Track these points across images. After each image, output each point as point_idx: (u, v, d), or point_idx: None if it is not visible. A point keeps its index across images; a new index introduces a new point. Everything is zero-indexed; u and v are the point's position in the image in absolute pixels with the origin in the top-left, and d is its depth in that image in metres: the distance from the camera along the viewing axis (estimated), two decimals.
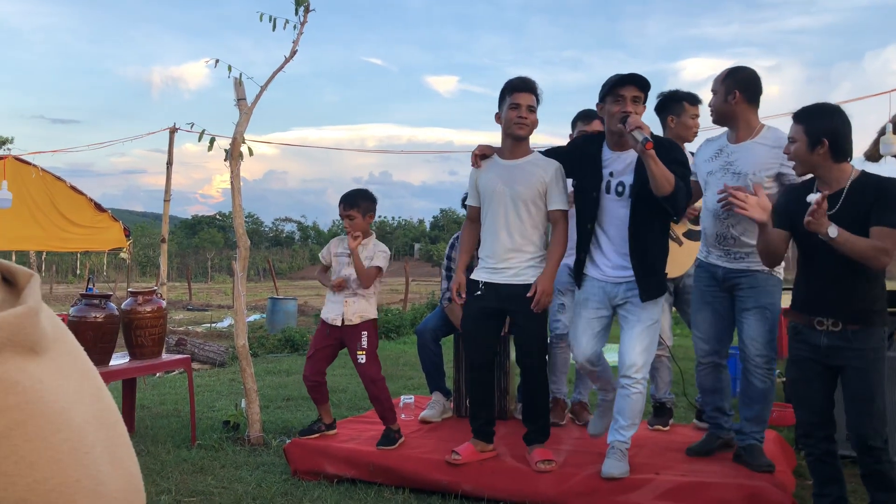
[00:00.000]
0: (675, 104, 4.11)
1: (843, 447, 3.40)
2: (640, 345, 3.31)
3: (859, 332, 2.76)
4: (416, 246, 55.18)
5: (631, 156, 3.31)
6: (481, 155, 3.64)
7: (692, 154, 4.11)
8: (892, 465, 2.81)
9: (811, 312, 2.87)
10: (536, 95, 3.51)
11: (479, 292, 3.55)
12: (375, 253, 4.05)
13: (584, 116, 4.24)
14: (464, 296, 3.57)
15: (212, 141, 4.91)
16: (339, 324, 4.00)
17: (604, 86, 3.34)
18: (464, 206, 4.47)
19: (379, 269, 4.03)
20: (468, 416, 3.88)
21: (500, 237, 3.51)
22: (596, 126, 4.02)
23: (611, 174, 3.37)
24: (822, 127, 2.81)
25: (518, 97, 3.45)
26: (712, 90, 3.45)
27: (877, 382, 2.77)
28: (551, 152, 3.64)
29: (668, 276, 3.98)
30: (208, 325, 13.14)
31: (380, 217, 62.59)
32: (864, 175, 2.86)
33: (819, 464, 2.95)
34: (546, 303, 3.45)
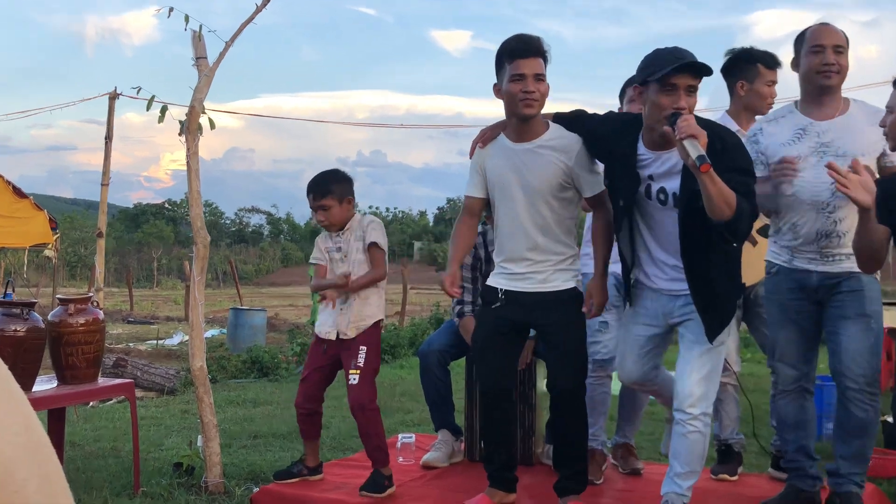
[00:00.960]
0: (748, 66, 4.11)
1: None
2: (698, 371, 3.32)
3: None
4: (417, 245, 55.20)
5: (673, 157, 3.21)
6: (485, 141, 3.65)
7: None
8: None
9: None
10: (544, 57, 3.47)
11: (498, 303, 3.55)
12: (366, 229, 4.06)
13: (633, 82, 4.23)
14: (459, 290, 3.58)
15: (163, 110, 4.93)
16: (333, 338, 4.03)
17: (648, 65, 3.22)
18: None
19: (376, 246, 4.02)
20: (482, 459, 3.89)
21: (518, 237, 3.54)
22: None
23: (650, 177, 3.32)
24: None
25: (521, 65, 3.39)
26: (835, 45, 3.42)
27: None
28: (576, 125, 3.56)
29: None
30: (154, 341, 13.19)
31: (370, 208, 62.68)
32: None
33: None
34: (599, 311, 3.52)
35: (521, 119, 3.48)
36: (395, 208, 70.29)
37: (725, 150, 3.11)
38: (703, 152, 2.91)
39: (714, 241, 3.18)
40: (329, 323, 4.06)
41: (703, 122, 3.16)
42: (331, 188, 4.03)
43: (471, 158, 3.67)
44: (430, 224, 65.96)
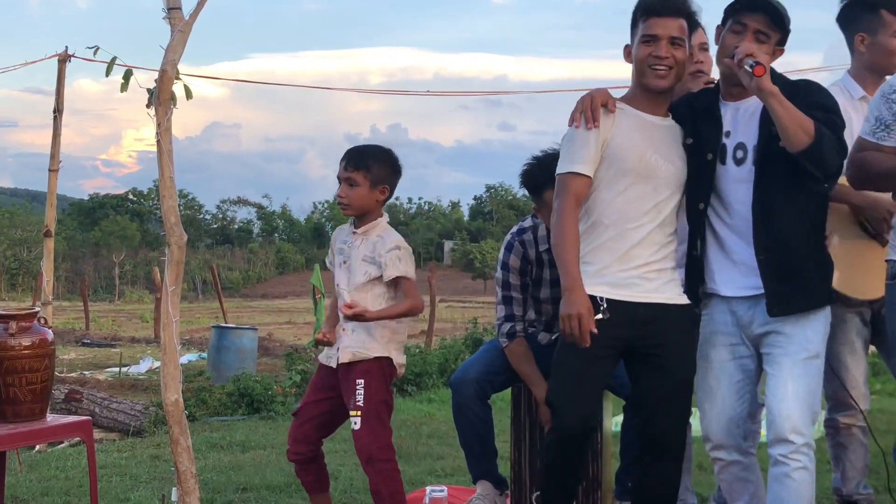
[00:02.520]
0: (869, 14, 4.10)
1: None
2: (793, 389, 3.39)
3: None
4: (448, 245, 55.37)
5: (753, 104, 3.48)
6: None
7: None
8: None
9: None
10: (688, 19, 3.57)
11: (599, 315, 3.50)
12: (385, 257, 4.02)
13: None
14: (594, 330, 3.42)
15: (127, 75, 4.96)
16: (333, 364, 4.07)
17: (728, 5, 3.51)
18: (528, 185, 4.46)
19: (404, 279, 4.03)
20: None
21: (637, 231, 3.57)
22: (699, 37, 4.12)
23: (727, 134, 3.54)
24: None
25: (655, 24, 3.50)
26: None
27: None
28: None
29: (863, 296, 3.98)
30: (116, 369, 13.33)
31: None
32: None
33: None
34: None
35: (649, 90, 3.58)
36: (419, 199, 70.45)
37: (805, 91, 3.47)
38: (758, 61, 3.24)
39: (796, 192, 3.44)
40: (335, 345, 4.10)
41: (784, 80, 3.50)
42: (369, 164, 4.06)
43: (589, 126, 3.57)
44: (465, 218, 66.06)
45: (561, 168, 3.62)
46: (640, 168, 3.56)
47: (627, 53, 3.64)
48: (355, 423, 3.98)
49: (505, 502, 4.60)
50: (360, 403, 3.97)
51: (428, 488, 4.73)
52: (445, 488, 4.81)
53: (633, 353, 3.64)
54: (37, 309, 4.79)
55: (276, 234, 62.10)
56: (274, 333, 18.18)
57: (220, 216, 65.82)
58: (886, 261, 3.64)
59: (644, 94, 3.62)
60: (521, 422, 4.56)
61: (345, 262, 4.10)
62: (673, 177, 3.59)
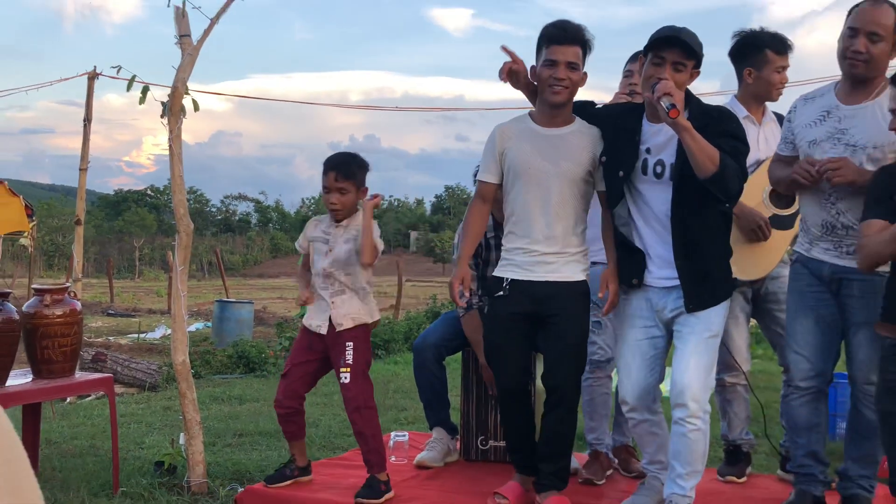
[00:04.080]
0: (756, 52, 4.09)
1: None
2: (696, 363, 3.40)
3: None
4: (413, 235, 55.28)
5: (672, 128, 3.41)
6: (511, 74, 3.66)
7: (777, 116, 4.14)
8: None
9: None
10: (583, 46, 3.56)
11: (501, 292, 3.58)
12: (357, 231, 4.07)
13: (637, 56, 4.23)
14: (467, 294, 3.63)
15: (145, 90, 4.93)
16: (324, 332, 4.04)
17: (648, 40, 3.45)
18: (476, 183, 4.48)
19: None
20: (507, 450, 3.94)
21: (539, 225, 3.58)
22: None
23: (648, 151, 3.48)
24: None
25: (555, 51, 3.50)
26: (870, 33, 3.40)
27: None
28: (579, 109, 3.71)
29: (747, 278, 4.02)
30: (135, 335, 13.21)
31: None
32: None
33: None
34: (616, 303, 3.60)
35: (550, 105, 3.58)
36: (390, 196, 70.08)
37: (711, 117, 3.41)
38: (674, 103, 3.17)
39: (706, 206, 3.39)
40: (321, 315, 4.07)
41: (700, 105, 3.48)
42: (355, 172, 4.06)
43: (501, 74, 3.65)
44: (427, 213, 65.89)
45: (478, 173, 3.75)
46: (530, 172, 3.57)
47: (534, 74, 3.61)
48: (345, 378, 3.98)
49: (455, 445, 4.63)
50: (350, 362, 3.98)
51: (392, 433, 4.74)
52: (407, 433, 4.83)
53: (538, 321, 3.67)
54: (67, 284, 4.76)
55: (271, 225, 61.64)
56: (268, 307, 18.05)
57: (224, 209, 65.28)
58: (795, 251, 3.69)
59: (543, 108, 3.62)
60: (469, 380, 4.58)
61: (330, 251, 4.08)
62: (561, 177, 3.55)
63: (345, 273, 4.06)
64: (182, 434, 4.79)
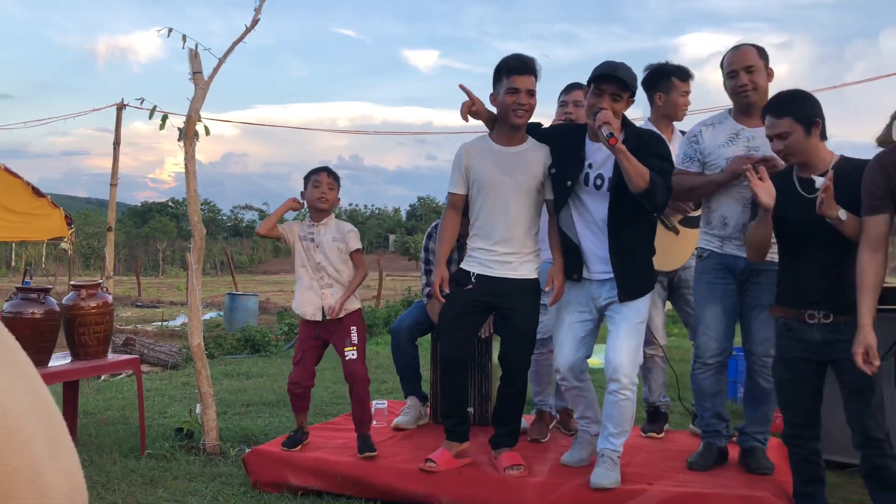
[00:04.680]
0: (664, 80, 4.14)
1: (837, 453, 3.70)
2: (626, 345, 3.40)
3: (851, 322, 2.86)
4: (391, 237, 55.15)
5: None
6: (472, 113, 3.60)
7: (682, 133, 4.17)
8: (895, 459, 2.92)
9: (801, 306, 3.00)
10: (536, 76, 3.55)
11: (470, 285, 3.58)
12: (347, 235, 4.08)
13: (569, 89, 4.24)
14: (447, 290, 3.60)
15: (164, 119, 4.88)
16: (319, 318, 4.01)
17: (590, 75, 3.46)
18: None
19: (359, 252, 4.11)
20: (441, 416, 3.92)
21: (499, 228, 3.56)
22: (574, 96, 4.12)
23: (590, 166, 3.47)
24: (810, 109, 3.00)
25: (517, 80, 3.47)
26: (746, 67, 3.49)
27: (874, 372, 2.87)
28: (531, 129, 3.69)
29: (664, 269, 4.05)
30: (159, 323, 13.06)
31: (350, 205, 62.50)
32: (845, 159, 3.05)
33: (805, 464, 3.12)
34: (560, 297, 3.56)
35: (512, 126, 3.55)
36: (372, 205, 70.08)
37: (644, 140, 3.39)
38: (612, 132, 3.16)
39: (637, 214, 3.38)
40: (313, 304, 4.02)
41: (634, 129, 3.46)
42: (338, 177, 4.13)
43: (462, 114, 3.58)
44: (404, 219, 65.79)
45: (449, 186, 3.72)
46: (492, 184, 3.55)
47: (493, 100, 3.57)
48: (352, 355, 4.00)
49: (426, 410, 4.61)
50: (355, 341, 4.02)
51: (374, 402, 4.72)
52: (386, 402, 4.82)
53: (495, 312, 3.68)
54: (100, 281, 4.69)
55: None
56: (270, 298, 17.90)
57: (233, 217, 64.72)
58: (698, 247, 3.72)
59: (504, 129, 3.59)
60: (436, 357, 4.57)
61: (317, 248, 4.05)
62: (518, 188, 3.53)
63: (334, 268, 4.04)
64: (198, 405, 4.75)
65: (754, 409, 3.57)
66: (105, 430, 5.08)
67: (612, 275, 3.43)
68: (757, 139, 3.50)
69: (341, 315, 4.01)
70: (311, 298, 4.04)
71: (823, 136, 3.04)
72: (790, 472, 3.60)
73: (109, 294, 4.71)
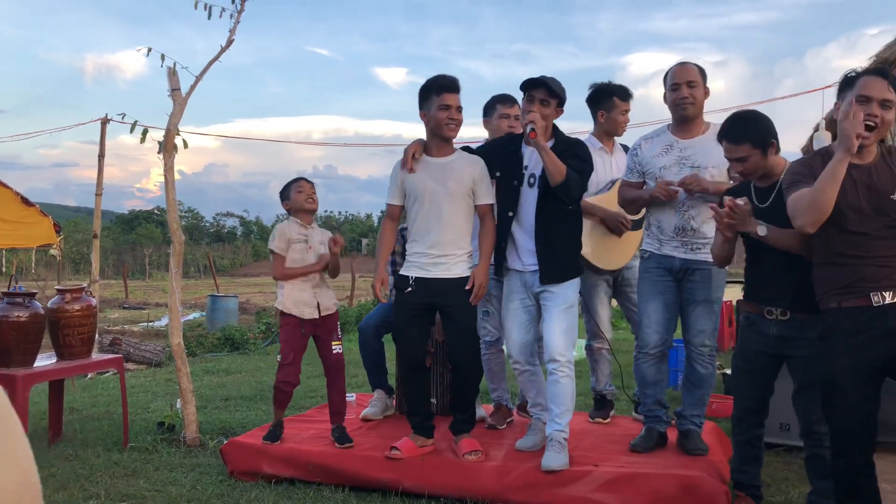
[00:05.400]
0: (606, 99, 4.18)
1: (769, 435, 3.75)
2: (558, 327, 3.46)
3: (807, 320, 2.91)
4: (364, 241, 54.88)
5: None
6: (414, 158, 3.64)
7: (623, 147, 4.22)
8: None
9: (761, 302, 3.04)
10: (459, 93, 3.60)
11: (409, 288, 3.59)
12: (325, 237, 4.10)
13: (503, 99, 4.23)
14: (387, 292, 3.61)
15: (144, 132, 4.81)
16: (316, 315, 3.98)
17: (521, 83, 3.56)
18: None
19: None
20: (407, 414, 3.91)
21: (433, 234, 3.57)
22: (516, 110, 4.14)
23: (525, 167, 3.59)
24: (765, 132, 3.00)
25: (448, 98, 3.53)
26: (688, 82, 3.54)
27: (823, 369, 2.91)
28: (468, 151, 3.76)
29: (609, 268, 4.09)
30: (145, 323, 12.85)
31: (325, 212, 62.13)
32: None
33: (747, 446, 3.17)
34: (482, 294, 3.56)
35: (444, 139, 3.59)
36: (346, 212, 69.82)
37: (568, 144, 3.55)
38: (533, 127, 3.35)
39: (561, 212, 3.50)
40: (309, 303, 3.97)
41: (563, 137, 3.59)
42: (314, 185, 4.14)
43: (404, 167, 3.62)
44: (375, 224, 65.59)
45: (387, 199, 3.73)
46: (426, 193, 3.57)
47: (424, 116, 3.60)
48: (339, 349, 4.05)
49: (392, 402, 4.60)
50: (340, 337, 4.08)
51: None
52: (354, 395, 4.79)
53: (438, 311, 3.69)
54: (84, 285, 4.60)
55: (252, 235, 60.45)
56: (250, 299, 17.70)
57: (215, 224, 63.86)
58: (641, 248, 3.77)
59: (436, 142, 3.62)
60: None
61: (310, 248, 4.02)
62: (449, 195, 3.55)
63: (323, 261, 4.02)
64: (179, 400, 4.69)
65: (692, 393, 3.62)
66: (90, 426, 4.98)
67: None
68: (689, 150, 3.56)
69: (332, 311, 4.04)
70: (304, 298, 3.98)
71: (778, 151, 3.07)
72: (723, 452, 3.67)
73: (93, 297, 4.63)
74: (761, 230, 2.88)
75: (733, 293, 6.36)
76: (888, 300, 2.56)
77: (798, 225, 2.65)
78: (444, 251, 3.56)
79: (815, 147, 6.10)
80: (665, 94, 3.63)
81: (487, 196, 3.62)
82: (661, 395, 3.74)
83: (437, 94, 3.52)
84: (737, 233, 3.03)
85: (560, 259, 3.52)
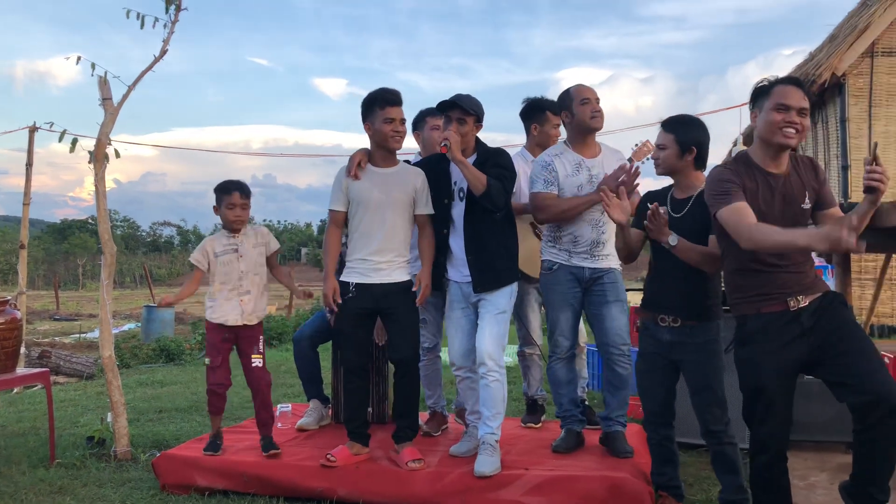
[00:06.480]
0: (539, 113, 4.25)
1: (688, 436, 3.89)
2: (489, 333, 3.52)
3: (696, 327, 3.05)
4: (303, 250, 54.28)
5: None
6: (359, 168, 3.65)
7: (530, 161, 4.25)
8: (734, 446, 3.10)
9: (656, 310, 3.15)
10: (401, 104, 3.64)
11: (350, 294, 3.59)
12: (268, 238, 4.05)
13: (432, 112, 4.21)
14: (339, 300, 3.59)
15: (74, 142, 4.65)
16: (240, 323, 3.91)
17: (437, 104, 3.65)
18: None
19: (277, 250, 4.07)
20: (344, 419, 3.88)
21: (376, 241, 3.59)
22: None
23: (454, 183, 3.66)
24: (692, 136, 3.11)
25: (392, 111, 3.57)
26: (595, 99, 3.67)
27: (715, 372, 3.05)
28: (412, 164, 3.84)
29: (538, 275, 4.13)
30: (77, 335, 12.40)
31: (264, 220, 61.17)
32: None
33: (659, 447, 3.26)
34: (427, 294, 3.62)
35: (388, 151, 3.64)
36: (285, 221, 68.86)
37: (493, 156, 3.61)
38: (446, 143, 3.44)
39: (486, 217, 3.55)
40: (234, 312, 3.91)
41: (485, 148, 3.66)
42: (250, 192, 4.02)
43: (350, 175, 3.63)
44: (315, 233, 64.95)
45: (330, 205, 3.72)
46: (369, 201, 3.60)
47: (368, 128, 3.62)
48: (258, 362, 3.94)
49: (328, 412, 4.55)
50: (261, 350, 3.98)
51: (279, 405, 4.63)
52: (290, 405, 4.74)
53: (380, 315, 3.70)
54: (7, 298, 4.41)
55: (190, 244, 59.10)
56: (187, 310, 17.25)
57: (152, 233, 62.21)
58: (544, 259, 3.82)
59: (381, 153, 3.65)
60: (337, 362, 4.53)
61: (241, 257, 3.94)
62: (392, 204, 3.59)
63: (254, 273, 3.96)
64: (110, 413, 4.54)
65: (614, 395, 3.70)
66: (15, 442, 4.77)
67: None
68: (595, 168, 3.70)
69: (257, 321, 3.95)
70: (231, 307, 3.92)
71: (700, 165, 3.14)
72: (647, 454, 3.75)
73: (18, 310, 4.44)
74: (672, 240, 2.99)
75: (634, 299, 6.53)
76: (801, 304, 2.68)
77: (742, 244, 2.61)
78: (386, 258, 3.60)
79: None
80: (573, 107, 3.67)
81: (427, 206, 3.68)
82: (575, 394, 3.84)
83: (381, 107, 3.56)
84: (629, 223, 3.17)
85: (493, 266, 3.57)
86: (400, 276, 3.63)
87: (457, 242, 3.64)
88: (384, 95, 3.58)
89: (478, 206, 3.52)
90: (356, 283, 3.60)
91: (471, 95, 3.61)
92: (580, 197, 3.67)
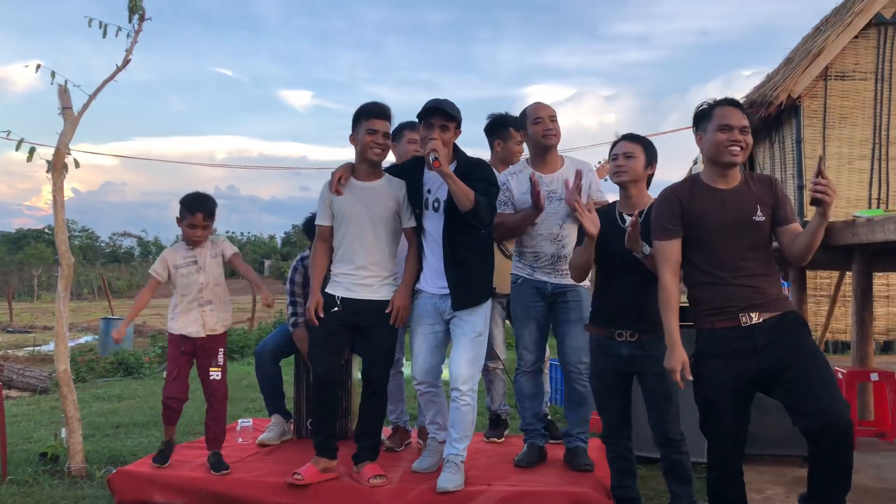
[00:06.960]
0: (502, 129, 4.27)
1: (647, 450, 3.90)
2: (465, 357, 3.48)
3: (653, 340, 3.10)
4: (267, 263, 53.72)
5: None
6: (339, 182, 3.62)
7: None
8: (688, 455, 3.16)
9: (611, 325, 3.18)
10: (390, 121, 3.62)
11: (336, 308, 3.55)
12: (222, 246, 3.99)
13: (410, 126, 4.22)
14: (322, 315, 3.54)
15: (31, 151, 4.55)
16: (202, 335, 3.86)
17: (419, 111, 3.55)
18: (306, 230, 4.41)
19: (239, 254, 4.02)
20: (311, 433, 3.83)
21: (359, 255, 3.57)
22: (413, 135, 4.12)
23: (428, 191, 3.60)
24: (654, 153, 3.25)
25: (376, 123, 3.55)
26: (549, 116, 3.69)
27: (671, 383, 3.07)
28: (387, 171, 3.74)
29: (503, 291, 4.15)
30: (31, 348, 12.07)
31: (227, 232, 60.38)
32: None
33: (619, 459, 3.31)
34: (404, 317, 3.58)
35: (370, 163, 3.60)
36: (248, 232, 68.03)
37: (472, 166, 3.52)
38: (437, 157, 3.29)
39: (468, 232, 3.47)
40: (195, 323, 3.87)
41: (465, 158, 3.58)
42: (214, 212, 3.94)
43: (331, 190, 3.60)
44: (279, 246, 64.39)
45: (316, 220, 3.69)
46: (352, 216, 3.58)
47: (353, 140, 3.61)
48: (216, 375, 3.89)
49: (290, 427, 4.50)
50: (220, 363, 3.92)
51: (240, 420, 4.58)
52: (251, 420, 4.68)
53: (356, 329, 3.65)
54: None
55: (151, 256, 58.05)
56: (147, 322, 16.94)
57: (112, 244, 60.95)
58: (511, 273, 3.85)
59: (363, 166, 3.63)
60: (300, 376, 4.49)
61: (200, 269, 3.90)
62: (375, 218, 3.57)
63: (215, 283, 3.92)
64: (64, 429, 4.43)
65: (574, 412, 3.73)
66: None
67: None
68: (553, 184, 3.71)
69: (217, 332, 3.91)
70: (192, 318, 3.88)
71: (649, 183, 3.27)
72: (608, 469, 3.78)
73: None
74: (646, 249, 3.02)
75: None
76: (755, 321, 2.73)
77: (658, 274, 2.89)
78: (370, 272, 3.57)
79: None
80: (527, 127, 3.73)
81: (411, 220, 3.65)
82: (539, 409, 3.86)
83: (366, 119, 3.55)
84: (595, 243, 3.16)
85: (471, 283, 3.53)
86: (386, 293, 3.59)
87: (434, 253, 3.57)
88: (370, 108, 3.57)
89: (460, 221, 3.44)
90: (342, 297, 3.56)
91: (448, 99, 3.53)
92: (522, 211, 3.70)
